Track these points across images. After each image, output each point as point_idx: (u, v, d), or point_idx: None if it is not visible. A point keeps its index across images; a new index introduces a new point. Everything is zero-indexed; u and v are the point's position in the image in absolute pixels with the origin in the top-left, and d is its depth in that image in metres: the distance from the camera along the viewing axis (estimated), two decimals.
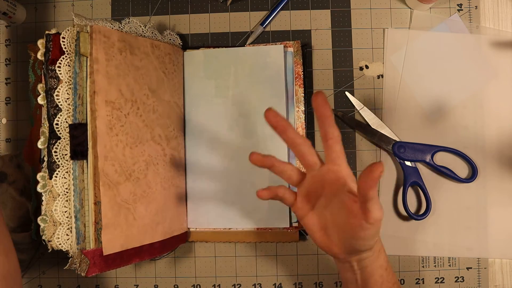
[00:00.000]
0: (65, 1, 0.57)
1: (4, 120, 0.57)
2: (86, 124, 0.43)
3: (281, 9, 0.56)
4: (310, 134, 0.55)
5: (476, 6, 0.56)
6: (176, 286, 0.56)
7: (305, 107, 0.54)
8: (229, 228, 0.53)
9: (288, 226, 0.52)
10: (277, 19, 0.56)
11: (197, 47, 0.55)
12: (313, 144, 0.55)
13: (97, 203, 0.42)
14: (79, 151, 0.42)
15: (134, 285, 0.56)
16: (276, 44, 0.54)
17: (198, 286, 0.55)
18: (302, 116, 0.53)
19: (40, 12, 0.57)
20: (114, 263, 0.43)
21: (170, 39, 0.53)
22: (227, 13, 0.56)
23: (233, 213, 0.52)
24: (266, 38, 0.56)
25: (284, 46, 0.53)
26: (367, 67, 0.56)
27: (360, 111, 0.55)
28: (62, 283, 0.56)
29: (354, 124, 0.55)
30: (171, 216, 0.50)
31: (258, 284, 0.55)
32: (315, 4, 0.56)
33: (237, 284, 0.55)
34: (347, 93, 0.55)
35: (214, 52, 0.54)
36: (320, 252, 0.55)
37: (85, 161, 0.43)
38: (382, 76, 0.56)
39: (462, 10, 0.56)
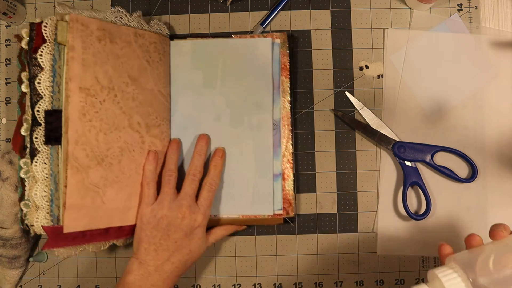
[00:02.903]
0: (65, 1, 0.57)
1: (4, 120, 0.57)
2: (61, 111, 0.43)
3: (281, 9, 0.56)
4: (294, 123, 0.55)
5: (476, 6, 0.56)
6: (176, 286, 0.56)
7: (291, 97, 0.54)
8: (214, 216, 0.53)
9: (272, 213, 0.53)
10: (277, 19, 0.56)
11: (185, 37, 0.55)
12: (296, 138, 0.55)
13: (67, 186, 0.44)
14: (53, 137, 0.43)
15: None
16: (264, 36, 0.54)
17: (198, 286, 0.56)
18: (288, 106, 0.54)
19: (40, 12, 0.57)
20: (75, 241, 0.45)
21: (157, 29, 0.53)
22: (227, 13, 0.56)
23: (218, 201, 0.53)
24: None
25: (271, 38, 0.54)
26: (367, 67, 0.56)
27: (360, 111, 0.55)
28: (62, 283, 0.56)
29: (354, 124, 0.55)
30: (141, 193, 0.50)
31: (258, 284, 0.55)
32: (315, 4, 0.56)
33: (237, 284, 0.56)
34: (347, 93, 0.55)
35: (203, 42, 0.54)
36: (320, 252, 0.55)
37: (60, 146, 0.44)
38: (382, 76, 0.56)
39: (462, 10, 0.56)
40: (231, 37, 0.55)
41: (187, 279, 0.55)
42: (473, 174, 0.53)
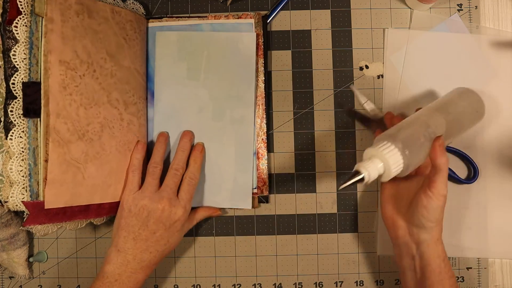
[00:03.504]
0: None
1: None
2: (39, 83, 0.43)
3: (281, 9, 0.56)
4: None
5: (476, 6, 0.56)
6: (176, 286, 0.56)
7: (265, 77, 0.54)
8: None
9: (250, 207, 0.54)
10: (277, 19, 0.56)
11: (160, 17, 0.56)
12: (270, 111, 0.55)
13: (48, 161, 0.43)
14: (31, 109, 0.43)
15: None
16: (238, 16, 0.55)
17: (198, 286, 0.56)
18: (262, 85, 0.54)
19: None
20: (56, 218, 0.44)
21: (133, 8, 0.54)
22: (227, 13, 0.56)
23: (198, 193, 0.53)
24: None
25: (246, 18, 0.55)
26: (367, 67, 0.56)
27: (364, 105, 0.54)
28: (62, 283, 0.56)
29: (358, 117, 0.55)
30: (125, 180, 0.50)
31: (258, 284, 0.55)
32: (315, 4, 0.56)
33: (237, 284, 0.56)
34: (352, 86, 0.55)
35: (188, 34, 0.54)
36: (320, 252, 0.55)
37: (39, 119, 0.43)
38: (382, 76, 0.56)
39: (462, 10, 0.56)
40: (207, 17, 0.55)
41: (187, 279, 0.55)
42: (474, 174, 0.53)
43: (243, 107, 0.53)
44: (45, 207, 0.43)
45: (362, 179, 0.40)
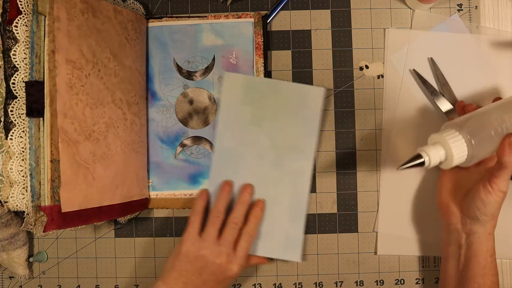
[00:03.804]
0: None
1: None
2: (43, 82, 0.43)
3: (281, 9, 0.56)
4: None
5: (476, 6, 0.56)
6: None
7: (264, 76, 0.54)
8: (190, 194, 0.54)
9: (300, 260, 0.53)
10: (277, 19, 0.56)
11: (160, 17, 0.56)
12: None
13: (53, 161, 0.43)
14: (35, 109, 0.43)
15: (134, 285, 0.56)
16: (239, 16, 0.55)
17: None
18: None
19: None
20: (72, 222, 0.44)
21: (133, 8, 0.54)
22: (227, 13, 0.56)
23: None
24: None
25: (245, 17, 0.55)
26: (367, 67, 0.56)
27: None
28: (62, 283, 0.56)
29: (430, 91, 0.54)
30: (131, 180, 0.50)
31: (258, 284, 0.55)
32: (315, 4, 0.56)
33: (237, 284, 0.56)
34: (430, 58, 0.54)
35: (256, 80, 0.54)
36: (320, 252, 0.55)
37: (41, 119, 0.43)
38: (382, 76, 0.56)
39: (462, 10, 0.56)
40: (207, 17, 0.55)
41: None
42: None
43: (303, 159, 0.53)
44: (62, 211, 0.43)
45: (422, 163, 0.40)
